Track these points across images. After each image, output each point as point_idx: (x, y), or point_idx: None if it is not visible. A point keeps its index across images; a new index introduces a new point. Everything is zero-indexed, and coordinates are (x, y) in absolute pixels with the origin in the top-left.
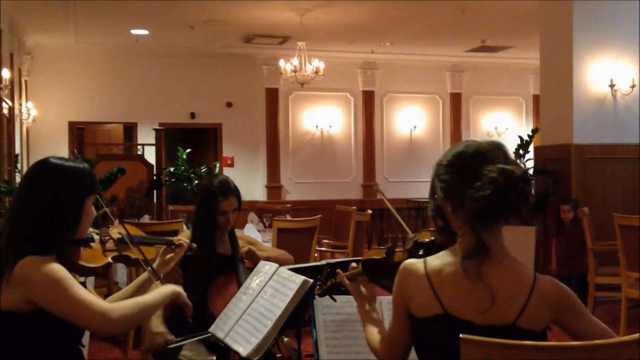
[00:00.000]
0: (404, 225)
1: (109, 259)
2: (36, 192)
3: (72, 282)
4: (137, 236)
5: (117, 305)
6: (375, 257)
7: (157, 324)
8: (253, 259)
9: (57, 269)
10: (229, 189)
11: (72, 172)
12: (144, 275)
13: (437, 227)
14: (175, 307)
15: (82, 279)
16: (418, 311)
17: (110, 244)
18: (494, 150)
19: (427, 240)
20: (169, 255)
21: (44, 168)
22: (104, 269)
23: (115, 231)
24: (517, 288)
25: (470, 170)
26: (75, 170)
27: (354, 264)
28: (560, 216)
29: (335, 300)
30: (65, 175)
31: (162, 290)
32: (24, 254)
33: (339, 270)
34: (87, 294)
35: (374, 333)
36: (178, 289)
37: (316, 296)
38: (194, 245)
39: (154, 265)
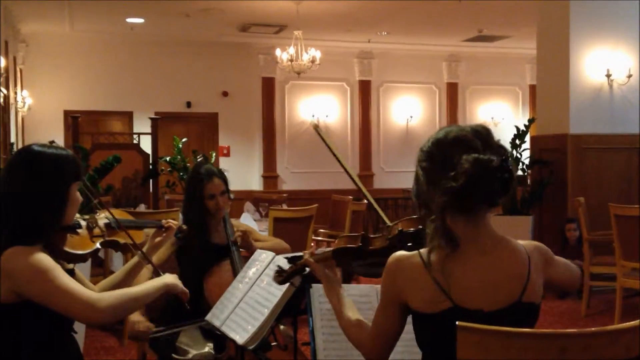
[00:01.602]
0: (380, 212)
1: (97, 245)
2: (19, 181)
3: (59, 272)
4: (124, 220)
5: (105, 295)
6: (350, 246)
7: (134, 314)
8: (246, 245)
9: (43, 259)
10: (213, 172)
11: (55, 159)
12: (134, 260)
13: (421, 215)
14: (171, 296)
15: (70, 266)
16: (423, 307)
17: (97, 230)
18: (474, 137)
19: (413, 230)
20: (158, 238)
21: (27, 156)
22: (92, 255)
23: (103, 216)
24: (516, 267)
25: (447, 159)
26: (58, 157)
27: (316, 248)
28: (566, 234)
29: (295, 286)
30: (48, 163)
31: (154, 282)
32: (9, 244)
33: (304, 252)
34: (75, 284)
35: (351, 320)
36: (171, 280)
37: (282, 283)
38: (184, 227)
39: (144, 249)
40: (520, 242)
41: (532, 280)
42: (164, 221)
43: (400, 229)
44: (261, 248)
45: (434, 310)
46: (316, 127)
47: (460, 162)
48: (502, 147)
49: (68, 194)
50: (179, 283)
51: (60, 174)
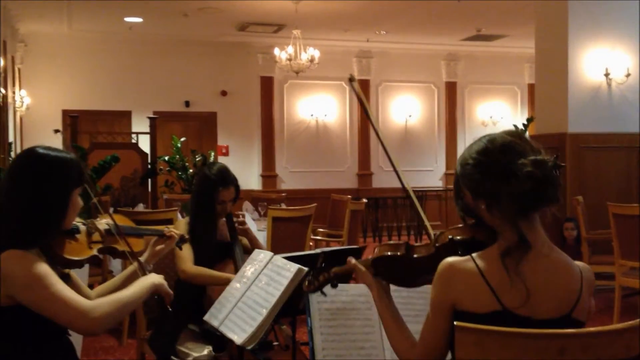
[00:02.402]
0: (420, 209)
1: (95, 252)
2: (21, 183)
3: (54, 280)
4: (125, 227)
5: (98, 303)
6: (392, 254)
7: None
8: (244, 233)
9: (39, 265)
10: (229, 179)
11: (59, 163)
12: (132, 268)
13: (472, 224)
14: (154, 296)
15: (66, 271)
16: (471, 307)
17: (96, 236)
18: (519, 141)
19: (464, 237)
20: (159, 247)
21: (30, 158)
22: (89, 262)
23: (104, 221)
24: (570, 280)
25: (502, 167)
26: (62, 161)
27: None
28: (564, 234)
29: (325, 295)
30: (51, 166)
31: (142, 283)
32: (6, 247)
33: (349, 258)
34: (69, 292)
35: (401, 334)
36: (158, 280)
37: (313, 292)
38: (186, 237)
39: (143, 257)
40: (576, 262)
41: (584, 297)
42: (165, 230)
43: (450, 236)
44: (253, 238)
45: (483, 311)
46: (352, 80)
47: (519, 167)
48: (540, 149)
49: (70, 198)
50: (165, 283)
51: (63, 178)
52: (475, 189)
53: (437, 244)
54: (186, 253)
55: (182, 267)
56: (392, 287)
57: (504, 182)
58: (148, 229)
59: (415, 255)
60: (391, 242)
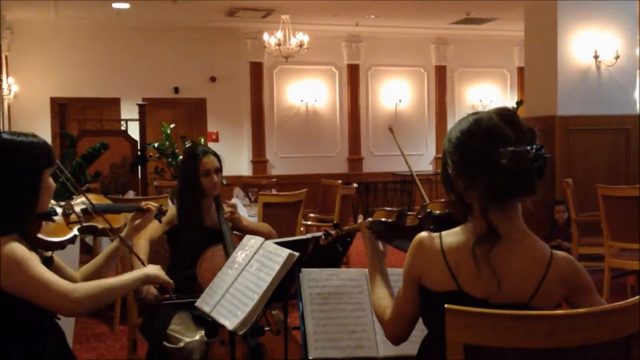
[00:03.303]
0: (423, 192)
1: (74, 231)
2: None
3: (33, 263)
4: (101, 205)
5: (80, 286)
6: (386, 220)
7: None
8: (235, 222)
9: (16, 248)
10: (208, 150)
11: (26, 147)
12: (114, 244)
13: (450, 200)
14: (156, 285)
15: (49, 254)
16: (432, 285)
17: (74, 216)
18: (505, 126)
19: (439, 212)
20: (137, 221)
21: None
22: (70, 242)
23: (79, 202)
24: (533, 267)
25: (482, 153)
26: (29, 145)
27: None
28: (555, 217)
29: (341, 250)
30: (18, 151)
31: (133, 274)
32: None
33: (361, 215)
34: (49, 274)
35: (382, 299)
36: (154, 271)
37: (328, 245)
38: (164, 208)
39: (124, 232)
40: (557, 251)
41: (547, 285)
42: (143, 203)
43: (429, 210)
44: (249, 226)
45: (441, 289)
46: (391, 130)
47: (497, 157)
48: (531, 130)
49: (40, 181)
50: (162, 274)
51: (31, 161)
52: (457, 168)
53: (419, 216)
54: (148, 230)
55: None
56: None
57: (482, 169)
58: (124, 205)
59: (404, 224)
60: (388, 208)
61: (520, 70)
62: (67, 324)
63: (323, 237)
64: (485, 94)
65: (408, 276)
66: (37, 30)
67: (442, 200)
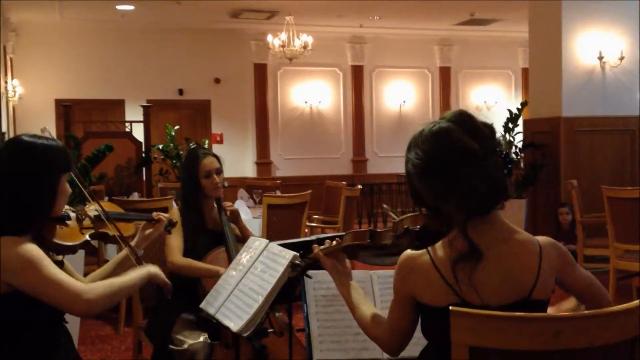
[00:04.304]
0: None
1: (86, 237)
2: (9, 172)
3: (47, 263)
4: (114, 212)
5: (93, 286)
6: (359, 243)
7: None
8: (235, 220)
9: (31, 249)
10: (208, 151)
11: (45, 150)
12: (124, 252)
13: (425, 212)
14: (154, 286)
15: (59, 258)
16: (432, 301)
17: (87, 222)
18: (468, 138)
19: (417, 226)
20: (148, 231)
21: (16, 147)
22: (82, 247)
23: (92, 208)
24: (527, 261)
25: (449, 175)
26: (49, 148)
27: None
28: (559, 219)
29: (310, 277)
30: (38, 154)
31: (138, 272)
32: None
33: (315, 245)
34: (62, 275)
35: (366, 315)
36: (154, 269)
37: (297, 277)
38: (174, 221)
39: (134, 241)
40: (538, 237)
41: (544, 275)
42: (154, 214)
43: (406, 226)
44: (244, 225)
45: (442, 304)
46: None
47: (467, 178)
48: (489, 127)
49: (58, 185)
50: (161, 273)
51: (50, 165)
52: (424, 184)
53: (395, 233)
54: (175, 244)
55: (170, 258)
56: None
57: (452, 191)
58: (136, 214)
59: (379, 243)
60: (355, 230)
61: (525, 71)
62: (72, 326)
63: (291, 269)
64: (490, 95)
65: (400, 294)
66: (42, 32)
67: (415, 214)
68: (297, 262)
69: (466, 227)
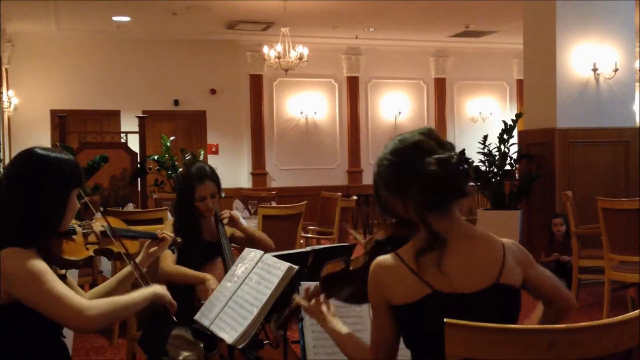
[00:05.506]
0: None
1: (91, 252)
2: (21, 184)
3: (51, 277)
4: (120, 229)
5: (95, 303)
6: (334, 271)
7: None
8: (234, 224)
9: (36, 262)
10: (205, 174)
11: (58, 164)
12: (127, 269)
13: (393, 222)
14: (160, 306)
15: (62, 272)
16: (407, 298)
17: (92, 237)
18: (427, 139)
19: (387, 235)
20: (152, 249)
21: (30, 159)
22: (85, 262)
23: (98, 224)
24: (492, 251)
25: (411, 165)
26: (62, 162)
27: (307, 285)
28: (552, 230)
29: (285, 331)
30: (51, 168)
31: (143, 292)
32: (5, 245)
33: (294, 295)
34: (66, 290)
35: (356, 346)
36: (160, 290)
37: (280, 329)
38: (178, 240)
39: (138, 258)
40: (502, 239)
41: (508, 264)
42: (159, 232)
43: (376, 239)
44: (247, 229)
45: (414, 299)
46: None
47: (424, 166)
48: (450, 143)
49: (68, 200)
50: (167, 294)
51: (61, 179)
52: (391, 187)
53: (367, 250)
54: (168, 252)
55: (161, 264)
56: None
57: (412, 180)
58: (142, 232)
59: (352, 268)
60: (331, 261)
61: (520, 83)
62: (66, 337)
63: (274, 323)
64: (485, 106)
65: (376, 304)
66: (38, 43)
67: (387, 224)
68: (277, 315)
69: (426, 216)
